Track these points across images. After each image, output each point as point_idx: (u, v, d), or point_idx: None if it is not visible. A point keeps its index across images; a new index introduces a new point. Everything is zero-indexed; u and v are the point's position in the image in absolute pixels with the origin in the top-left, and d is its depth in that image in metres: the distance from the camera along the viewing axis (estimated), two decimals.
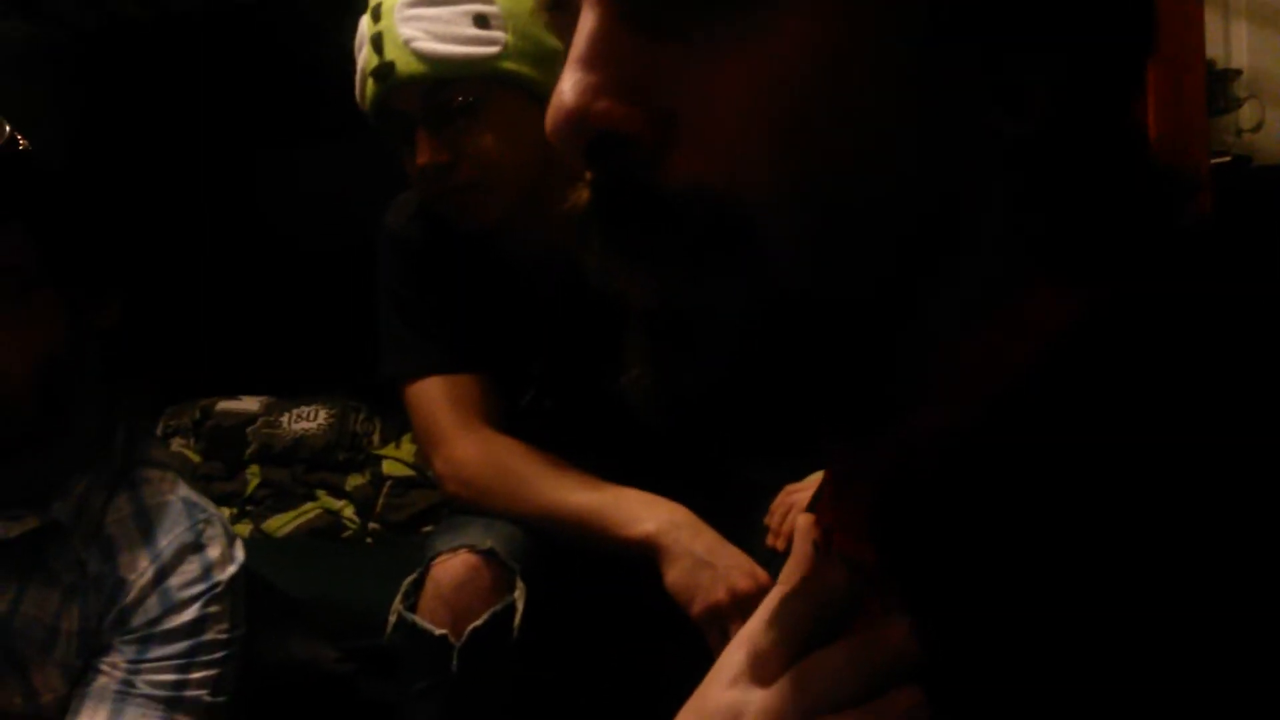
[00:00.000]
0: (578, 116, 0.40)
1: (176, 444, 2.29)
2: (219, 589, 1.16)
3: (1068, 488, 0.39)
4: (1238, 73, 2.14)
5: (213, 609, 1.15)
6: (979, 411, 0.42)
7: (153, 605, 1.14)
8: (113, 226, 1.30)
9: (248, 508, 2.19)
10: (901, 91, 0.39)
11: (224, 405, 2.33)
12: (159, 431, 2.31)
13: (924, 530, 0.43)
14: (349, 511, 2.19)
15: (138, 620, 1.13)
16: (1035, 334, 0.42)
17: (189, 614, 1.14)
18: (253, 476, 2.24)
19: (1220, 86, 2.08)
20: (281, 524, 2.15)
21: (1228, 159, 2.00)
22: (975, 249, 0.41)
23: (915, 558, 0.43)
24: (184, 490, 1.21)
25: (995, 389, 0.42)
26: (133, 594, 1.14)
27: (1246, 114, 2.12)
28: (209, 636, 1.15)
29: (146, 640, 1.13)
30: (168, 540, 1.16)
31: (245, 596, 1.20)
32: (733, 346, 0.41)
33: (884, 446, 0.45)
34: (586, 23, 0.41)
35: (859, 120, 0.39)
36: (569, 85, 0.40)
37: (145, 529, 1.16)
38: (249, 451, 2.26)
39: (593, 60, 0.40)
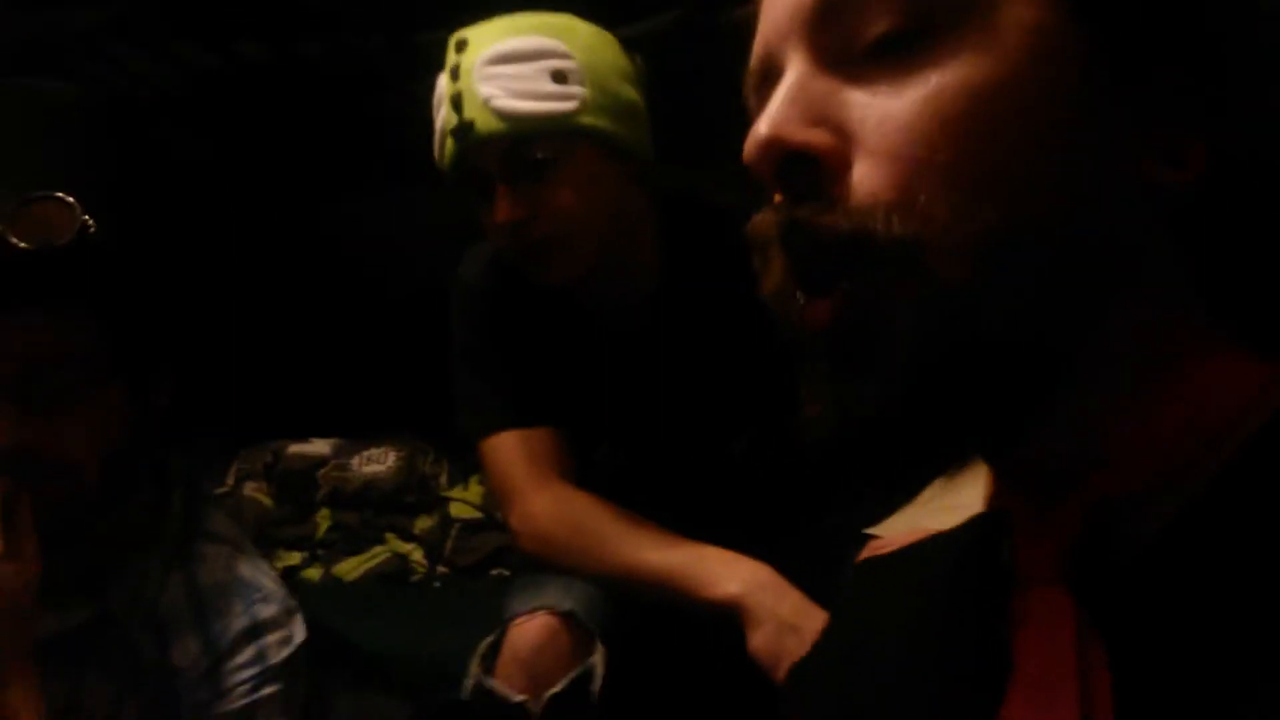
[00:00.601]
0: (771, 139, 0.45)
1: (249, 488, 2.30)
2: (274, 673, 1.14)
3: None
4: None
5: (266, 692, 1.13)
6: (1189, 481, 0.43)
7: (206, 692, 1.12)
8: (174, 311, 1.28)
9: (318, 551, 2.20)
10: (1062, 132, 0.42)
11: (294, 449, 2.34)
12: (232, 476, 2.32)
13: (1140, 591, 0.43)
14: (417, 554, 2.19)
15: (189, 703, 1.11)
16: (1229, 404, 0.42)
17: (241, 699, 1.12)
18: (323, 520, 2.24)
19: None
20: (351, 568, 2.16)
21: None
22: (1139, 303, 0.43)
23: (1125, 615, 0.43)
24: (241, 566, 1.18)
25: (1196, 459, 0.43)
26: (187, 682, 1.12)
27: None
28: (260, 718, 1.13)
29: None
30: (222, 625, 1.14)
31: (311, 666, 1.18)
32: (907, 363, 0.44)
33: (1072, 502, 0.46)
34: (788, 75, 0.47)
35: (1018, 152, 0.42)
36: (765, 117, 0.46)
37: (200, 613, 1.14)
38: (320, 495, 2.27)
39: (787, 99, 0.46)
